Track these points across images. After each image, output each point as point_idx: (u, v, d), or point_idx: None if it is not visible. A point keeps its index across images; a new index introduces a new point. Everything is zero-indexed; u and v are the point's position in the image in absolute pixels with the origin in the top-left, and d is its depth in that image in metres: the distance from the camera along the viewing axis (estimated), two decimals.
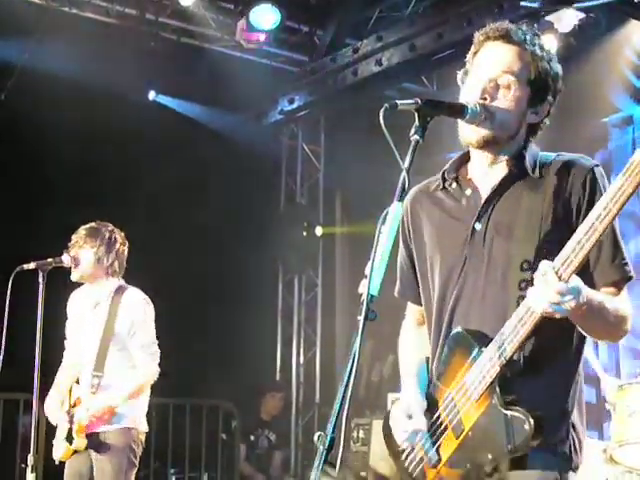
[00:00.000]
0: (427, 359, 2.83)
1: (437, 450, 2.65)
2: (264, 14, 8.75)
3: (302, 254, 10.95)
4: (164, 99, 10.25)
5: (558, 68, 2.74)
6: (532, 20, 7.20)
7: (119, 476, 5.15)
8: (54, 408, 5.31)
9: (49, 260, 5.14)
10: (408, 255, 2.95)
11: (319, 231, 10.84)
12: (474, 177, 2.78)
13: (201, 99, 10.20)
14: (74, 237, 5.39)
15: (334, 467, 2.16)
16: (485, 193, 2.72)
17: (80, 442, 5.15)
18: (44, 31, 8.31)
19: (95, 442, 5.18)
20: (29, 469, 4.83)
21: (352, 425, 8.55)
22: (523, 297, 2.45)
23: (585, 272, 2.51)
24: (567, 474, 2.61)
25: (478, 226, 2.70)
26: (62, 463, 5.30)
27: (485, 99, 2.63)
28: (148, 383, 5.34)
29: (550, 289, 2.31)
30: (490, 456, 2.50)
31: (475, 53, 2.74)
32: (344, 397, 2.22)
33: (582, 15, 7.59)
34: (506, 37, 2.67)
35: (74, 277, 5.37)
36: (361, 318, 2.27)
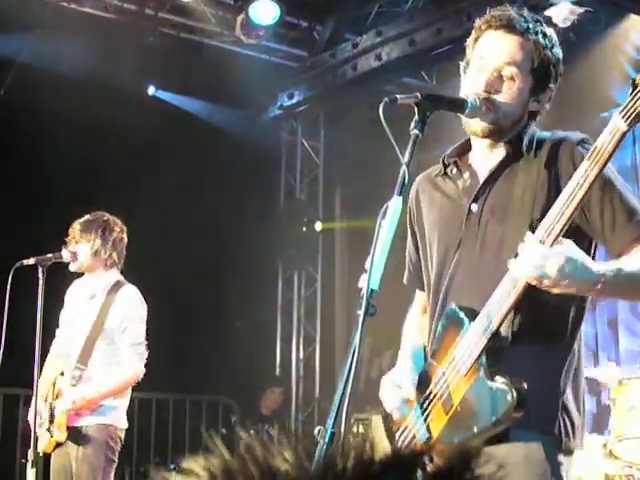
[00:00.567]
0: (424, 345, 2.83)
1: (428, 427, 2.65)
2: (263, 9, 8.75)
3: (302, 250, 10.95)
4: (163, 94, 10.24)
5: (559, 53, 2.74)
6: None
7: (97, 472, 5.12)
8: (41, 402, 5.30)
9: (48, 256, 5.15)
10: (414, 242, 2.97)
11: (319, 227, 10.83)
12: (474, 162, 2.80)
13: (200, 94, 10.19)
14: (70, 232, 5.38)
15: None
16: (483, 176, 2.74)
17: (60, 434, 5.14)
18: (43, 26, 8.30)
19: (75, 435, 5.15)
20: (29, 464, 4.83)
21: (352, 420, 8.55)
22: None
23: (605, 239, 2.53)
24: (556, 455, 2.58)
25: (474, 207, 2.71)
26: (49, 456, 5.29)
27: (489, 92, 2.63)
28: (132, 382, 5.32)
29: (532, 253, 2.33)
30: (476, 429, 2.48)
31: (476, 40, 2.74)
32: (344, 392, 2.22)
33: (582, 10, 7.58)
34: (508, 26, 2.67)
35: (72, 268, 5.37)
36: (361, 313, 2.28)
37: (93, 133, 8.47)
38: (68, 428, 5.15)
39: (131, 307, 5.33)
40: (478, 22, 2.75)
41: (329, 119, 11.15)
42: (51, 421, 5.20)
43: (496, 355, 2.51)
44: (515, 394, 2.39)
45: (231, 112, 10.41)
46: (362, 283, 2.32)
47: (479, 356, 2.50)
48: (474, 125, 2.67)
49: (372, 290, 2.29)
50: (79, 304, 5.45)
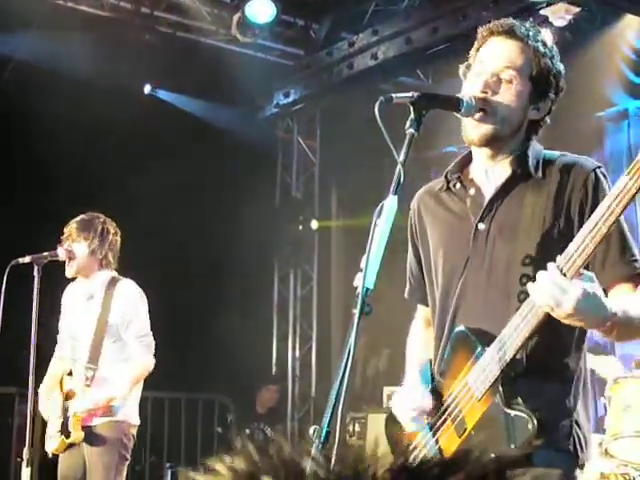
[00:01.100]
0: (430, 361, 2.83)
1: (439, 449, 2.65)
2: (259, 8, 8.75)
3: (298, 248, 10.95)
4: (159, 93, 10.24)
5: (560, 66, 2.74)
6: (527, 14, 7.19)
7: (110, 470, 5.13)
8: (46, 401, 5.31)
9: (44, 254, 5.14)
10: (416, 256, 2.96)
11: (315, 225, 10.84)
12: (476, 177, 2.78)
13: (196, 93, 10.19)
14: (66, 230, 5.36)
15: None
16: (488, 193, 2.72)
17: (77, 435, 5.14)
18: (40, 25, 8.29)
19: (88, 435, 5.16)
20: (24, 463, 4.83)
21: (348, 419, 8.56)
22: (524, 292, 2.46)
23: (595, 272, 2.52)
24: (573, 472, 2.60)
25: (481, 226, 2.70)
26: (56, 456, 5.29)
27: (486, 93, 2.63)
28: (143, 375, 5.33)
29: (551, 283, 2.31)
30: (492, 455, 2.48)
31: (478, 49, 2.75)
32: (339, 391, 2.22)
33: (577, 9, 7.59)
34: (509, 32, 2.68)
35: (69, 273, 5.35)
36: (357, 312, 2.28)
37: (89, 131, 8.46)
38: (82, 428, 5.16)
39: (131, 300, 5.32)
40: (481, 31, 2.75)
41: (325, 118, 11.15)
42: (64, 423, 5.19)
43: (510, 380, 2.51)
44: (536, 422, 2.42)
45: (227, 110, 10.41)
46: (357, 282, 2.32)
47: (495, 382, 2.50)
48: (472, 132, 2.66)
49: (367, 289, 2.29)
50: (77, 307, 5.44)
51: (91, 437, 5.16)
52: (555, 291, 2.31)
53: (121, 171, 8.51)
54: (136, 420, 5.32)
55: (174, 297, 8.83)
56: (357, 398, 9.19)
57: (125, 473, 5.26)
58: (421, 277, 2.94)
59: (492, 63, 2.67)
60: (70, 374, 5.35)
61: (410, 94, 2.48)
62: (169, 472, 8.78)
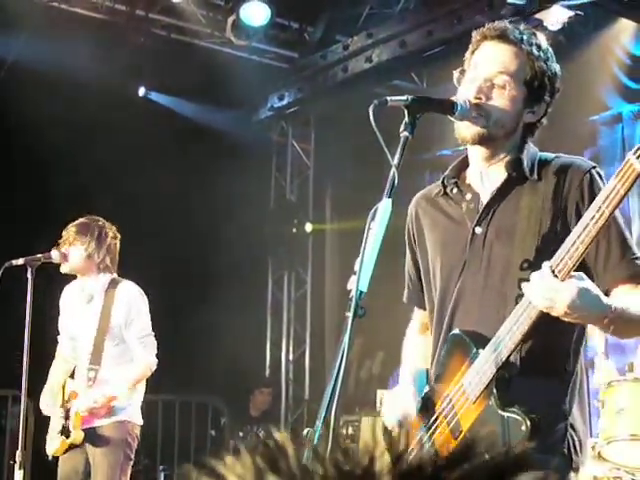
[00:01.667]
0: (427, 369, 2.84)
1: (435, 451, 2.65)
2: (254, 10, 8.75)
3: (292, 251, 10.95)
4: (154, 95, 10.23)
5: (556, 67, 2.73)
6: (521, 18, 7.21)
7: (115, 470, 5.13)
8: (49, 403, 5.30)
9: (38, 256, 5.14)
10: (413, 261, 2.96)
11: (309, 228, 10.84)
12: (472, 181, 2.78)
13: (191, 95, 10.19)
14: (64, 234, 5.37)
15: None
16: (485, 197, 2.72)
17: (78, 435, 5.14)
18: (34, 26, 8.29)
19: (92, 436, 5.16)
20: (17, 465, 4.82)
21: (341, 422, 8.56)
22: (521, 295, 2.46)
23: (597, 273, 2.55)
24: (567, 475, 2.60)
25: (478, 230, 2.70)
26: (54, 459, 5.28)
27: (480, 98, 2.63)
28: (146, 374, 5.34)
29: (544, 284, 2.33)
30: (488, 457, 2.47)
31: (472, 53, 2.74)
32: (333, 394, 2.22)
33: (571, 13, 7.61)
34: (503, 37, 2.67)
35: (64, 269, 5.36)
36: (350, 314, 2.28)
37: (83, 133, 8.45)
38: (85, 429, 5.15)
39: (132, 301, 5.33)
40: (474, 35, 2.75)
41: (319, 121, 11.15)
42: (65, 424, 5.18)
43: (505, 382, 2.52)
44: (529, 424, 2.42)
45: (222, 113, 10.40)
46: (351, 285, 2.32)
47: (489, 384, 2.51)
48: (464, 130, 2.66)
49: (361, 292, 2.29)
50: (76, 308, 5.44)
51: (95, 438, 5.16)
52: (548, 292, 2.32)
53: (114, 173, 8.50)
54: (140, 420, 5.33)
55: (167, 299, 8.81)
56: (350, 401, 9.18)
57: (130, 473, 5.26)
58: (418, 281, 2.94)
59: (485, 68, 2.66)
60: (72, 376, 5.35)
61: (404, 97, 2.48)
62: (162, 475, 8.77)
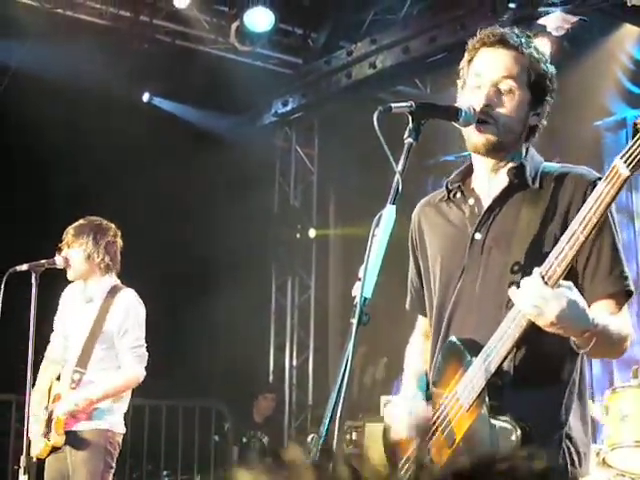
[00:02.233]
0: (426, 372, 2.84)
1: (431, 459, 2.65)
2: (258, 16, 8.76)
3: (295, 256, 10.96)
4: (158, 101, 10.25)
5: (552, 68, 2.74)
6: (525, 24, 7.21)
7: (95, 477, 5.10)
8: (35, 405, 5.29)
9: (42, 262, 5.13)
10: (416, 267, 2.96)
11: (312, 233, 10.85)
12: (476, 186, 2.78)
13: (195, 101, 10.20)
14: (64, 237, 5.38)
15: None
16: (486, 203, 2.72)
17: (58, 438, 5.11)
18: (38, 33, 8.30)
19: (72, 440, 5.13)
20: (21, 470, 4.81)
21: (345, 427, 8.55)
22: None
23: (584, 283, 2.53)
24: None
25: (478, 236, 2.70)
26: (44, 461, 5.26)
27: (488, 106, 2.62)
28: (132, 385, 5.30)
29: (533, 292, 2.31)
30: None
31: (470, 60, 2.73)
32: (337, 400, 2.22)
33: (575, 19, 7.60)
34: (502, 42, 2.67)
35: (70, 276, 5.36)
36: (354, 321, 2.28)
37: (87, 139, 8.46)
38: (66, 432, 5.14)
39: (130, 310, 5.31)
40: (470, 42, 2.74)
41: (323, 126, 11.16)
42: (48, 426, 5.18)
43: (498, 391, 2.50)
44: (520, 433, 2.40)
45: (226, 119, 10.42)
46: (355, 291, 2.32)
47: (481, 392, 2.49)
48: (477, 140, 2.65)
49: (365, 299, 2.29)
50: (74, 308, 5.43)
51: (76, 442, 5.13)
52: (538, 300, 2.30)
53: (117, 179, 8.51)
54: (122, 429, 5.29)
55: (171, 304, 8.82)
56: (354, 407, 9.17)
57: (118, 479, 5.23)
58: (421, 288, 2.93)
59: (490, 74, 2.66)
60: (59, 378, 5.33)
61: (409, 103, 2.47)
62: None
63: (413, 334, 3.08)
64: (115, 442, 5.22)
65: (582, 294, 2.40)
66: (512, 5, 7.55)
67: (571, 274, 2.46)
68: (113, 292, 5.34)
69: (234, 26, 8.95)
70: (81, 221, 5.43)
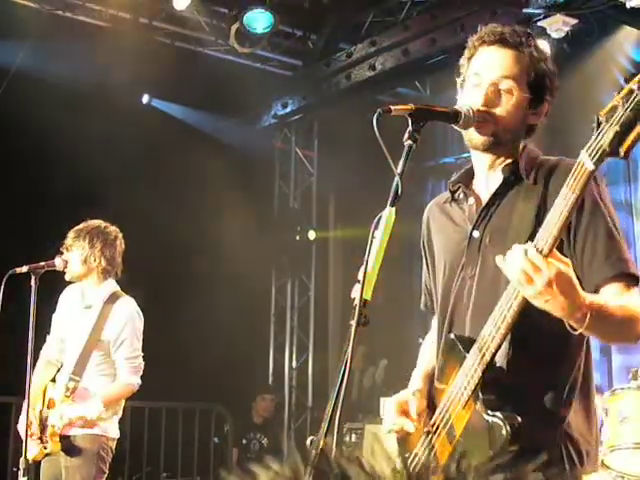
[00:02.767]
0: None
1: (435, 455, 2.65)
2: (258, 18, 8.76)
3: (295, 258, 10.96)
4: (157, 103, 10.25)
5: (553, 66, 2.74)
6: (525, 26, 7.20)
7: None
8: (27, 408, 5.27)
9: (41, 264, 5.14)
10: (427, 267, 2.98)
11: (312, 235, 10.85)
12: (477, 185, 2.80)
13: (194, 103, 10.21)
14: (65, 240, 5.39)
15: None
16: (484, 201, 2.74)
17: (54, 446, 5.12)
18: (38, 34, 8.31)
19: (66, 445, 5.13)
20: (21, 472, 4.81)
21: (344, 429, 8.54)
22: None
23: (584, 272, 2.51)
24: None
25: (475, 233, 2.71)
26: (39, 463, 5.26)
27: (487, 106, 2.63)
28: (126, 395, 5.31)
29: (527, 257, 2.23)
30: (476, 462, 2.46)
31: (470, 58, 2.74)
32: (336, 401, 2.22)
33: (575, 21, 7.61)
34: (502, 41, 2.67)
35: (67, 277, 5.37)
36: (353, 323, 2.28)
37: (87, 141, 8.46)
38: (60, 438, 5.14)
39: (128, 319, 5.31)
40: (470, 40, 2.74)
41: (323, 128, 11.17)
42: (42, 431, 5.17)
43: (492, 386, 2.49)
44: (509, 428, 2.38)
45: (225, 121, 10.42)
46: (355, 293, 2.32)
47: (475, 388, 2.49)
48: (476, 137, 2.66)
49: (365, 300, 2.29)
50: (73, 312, 5.43)
51: (69, 447, 5.13)
52: (527, 265, 2.23)
53: (117, 181, 8.51)
54: (115, 434, 5.29)
55: (171, 307, 8.82)
56: (354, 409, 9.17)
57: None
58: (433, 288, 2.95)
59: (489, 74, 2.66)
60: (54, 380, 5.33)
61: (408, 106, 2.47)
62: None
63: (428, 334, 3.09)
64: (108, 447, 5.23)
65: (583, 288, 2.34)
66: (513, 8, 7.56)
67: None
68: (112, 299, 5.34)
69: (234, 28, 8.95)
70: (81, 225, 5.44)
